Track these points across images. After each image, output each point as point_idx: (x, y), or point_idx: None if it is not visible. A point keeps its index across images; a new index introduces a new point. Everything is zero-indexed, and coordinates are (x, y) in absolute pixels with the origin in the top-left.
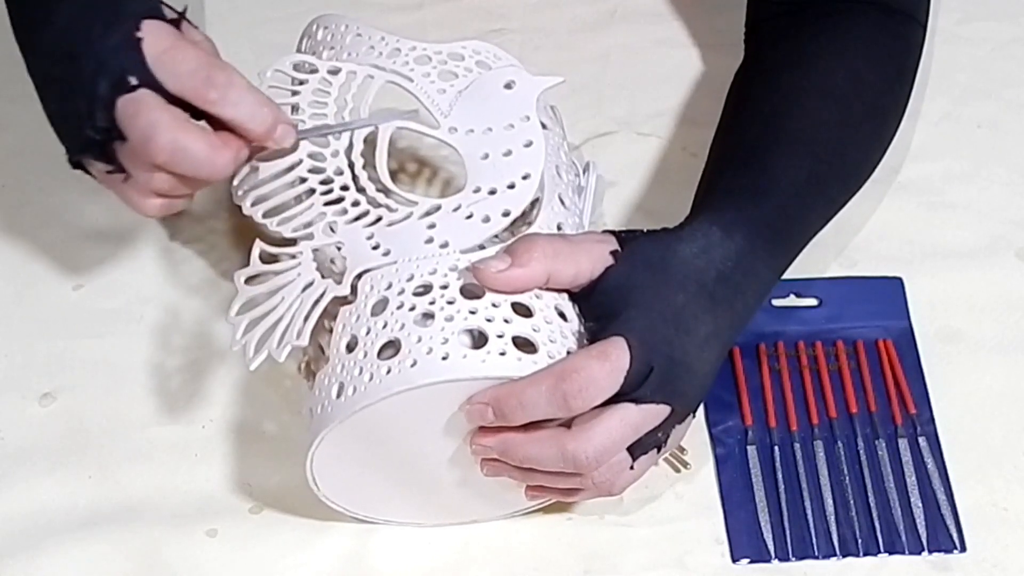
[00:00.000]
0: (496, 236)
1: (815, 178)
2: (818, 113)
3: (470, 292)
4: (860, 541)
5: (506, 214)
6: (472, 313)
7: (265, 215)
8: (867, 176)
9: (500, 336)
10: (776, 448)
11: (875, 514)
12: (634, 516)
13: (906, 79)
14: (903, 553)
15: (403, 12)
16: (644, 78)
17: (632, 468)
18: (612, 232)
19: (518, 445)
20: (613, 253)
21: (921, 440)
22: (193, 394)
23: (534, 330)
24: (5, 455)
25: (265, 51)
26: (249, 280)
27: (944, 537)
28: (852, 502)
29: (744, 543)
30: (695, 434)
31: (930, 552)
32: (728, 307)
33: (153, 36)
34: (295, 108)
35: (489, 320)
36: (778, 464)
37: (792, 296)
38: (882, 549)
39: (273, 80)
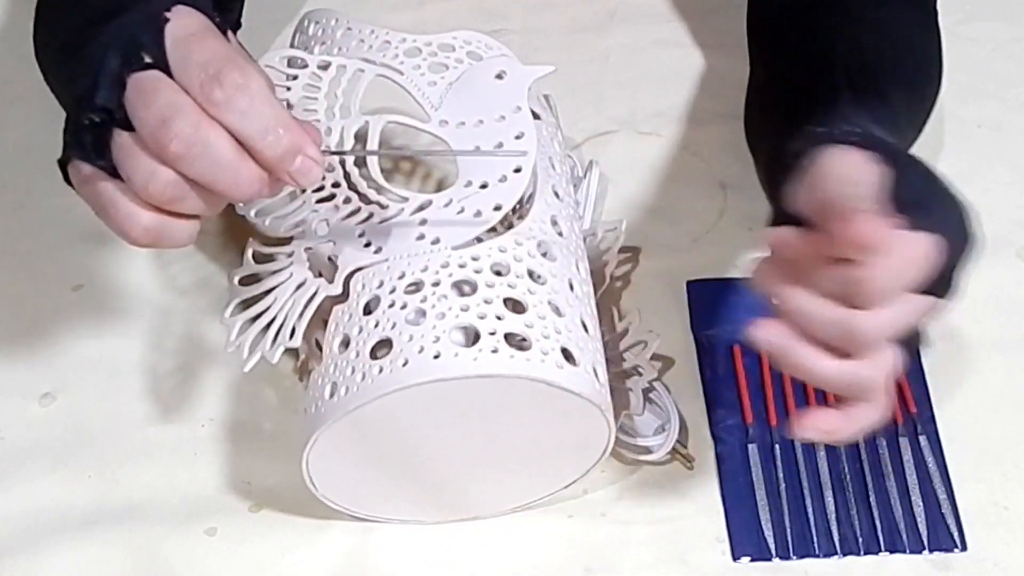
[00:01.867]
0: (491, 230)
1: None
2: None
3: (461, 289)
4: (861, 540)
5: (498, 208)
6: (464, 310)
7: (257, 214)
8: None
9: (492, 333)
10: (777, 446)
11: (876, 513)
12: (634, 514)
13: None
14: (904, 552)
15: (403, 12)
16: (644, 78)
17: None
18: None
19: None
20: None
21: (922, 439)
22: (192, 393)
23: (527, 326)
24: (5, 455)
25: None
26: (243, 280)
27: (945, 536)
28: (853, 501)
29: (745, 541)
30: (696, 432)
31: (931, 551)
32: None
33: (182, 20)
34: (287, 104)
35: (481, 317)
36: (779, 462)
37: None
38: (883, 548)
39: None
